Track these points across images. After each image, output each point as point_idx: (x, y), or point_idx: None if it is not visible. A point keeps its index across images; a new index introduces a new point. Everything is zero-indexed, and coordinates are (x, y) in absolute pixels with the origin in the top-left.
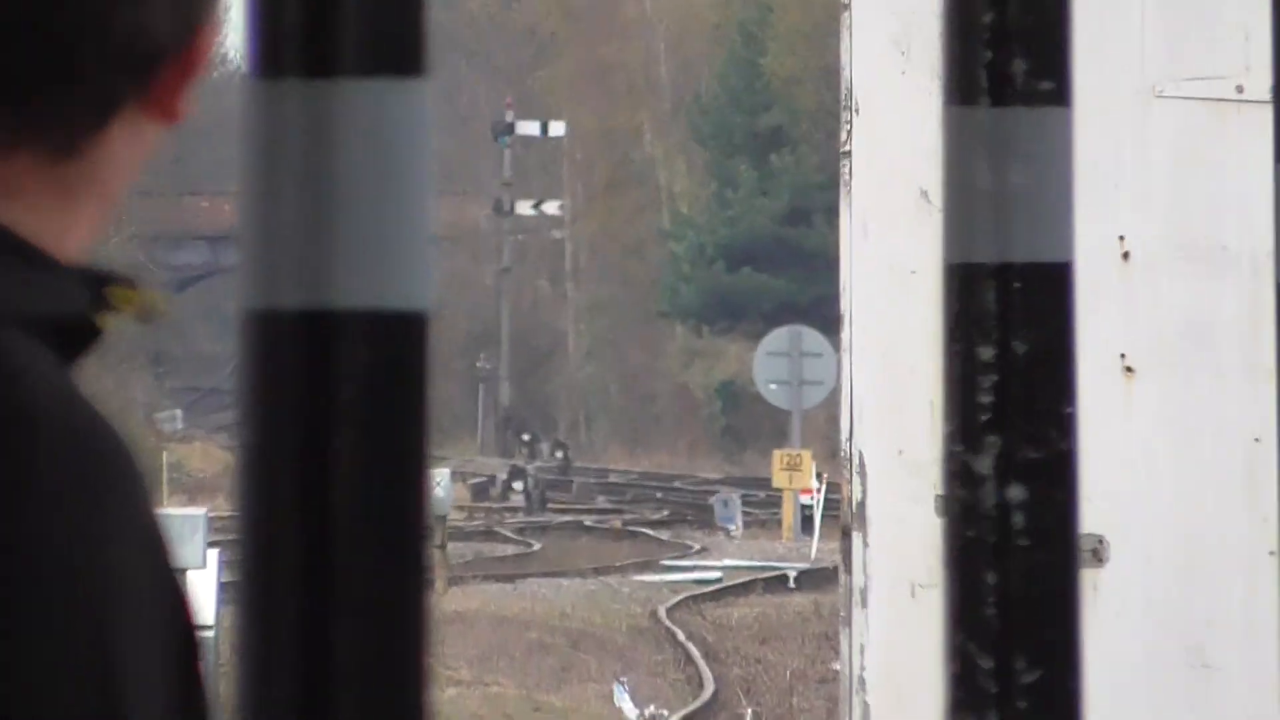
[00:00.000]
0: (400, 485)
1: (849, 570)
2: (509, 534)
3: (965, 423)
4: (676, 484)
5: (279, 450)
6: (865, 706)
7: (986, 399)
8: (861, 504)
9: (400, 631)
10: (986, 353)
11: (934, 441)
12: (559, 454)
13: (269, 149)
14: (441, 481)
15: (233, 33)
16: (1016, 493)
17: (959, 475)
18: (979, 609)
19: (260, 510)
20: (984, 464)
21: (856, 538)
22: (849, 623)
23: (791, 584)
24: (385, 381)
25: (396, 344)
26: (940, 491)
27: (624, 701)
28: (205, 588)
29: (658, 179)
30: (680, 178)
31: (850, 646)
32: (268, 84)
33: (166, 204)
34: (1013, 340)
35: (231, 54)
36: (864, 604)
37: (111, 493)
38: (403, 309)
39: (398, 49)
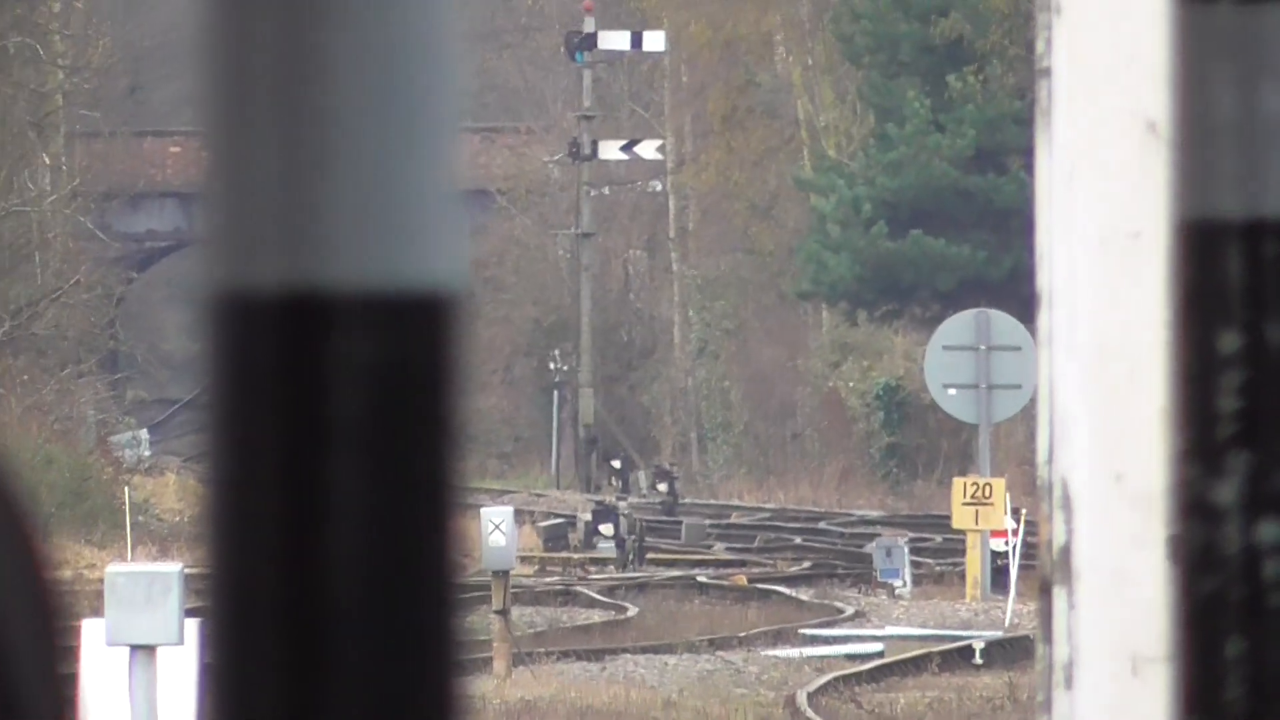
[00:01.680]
0: (419, 529)
1: (1049, 639)
2: (595, 595)
3: (1202, 438)
4: (822, 525)
5: (255, 482)
6: None
7: (1230, 404)
8: (1066, 549)
9: None
10: (1231, 341)
11: (1164, 464)
12: (662, 486)
13: (237, 72)
14: (501, 524)
15: None
16: (1270, 532)
17: (1194, 509)
18: (1220, 688)
19: (235, 564)
20: (1226, 493)
21: (1059, 595)
22: (1050, 709)
23: (978, 659)
24: (396, 388)
25: (411, 337)
26: (1171, 531)
27: None
28: (183, 670)
29: (795, 110)
30: (826, 108)
31: None
32: None
33: (122, 149)
34: (1266, 324)
35: None
36: (1069, 684)
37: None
38: (419, 290)
39: None
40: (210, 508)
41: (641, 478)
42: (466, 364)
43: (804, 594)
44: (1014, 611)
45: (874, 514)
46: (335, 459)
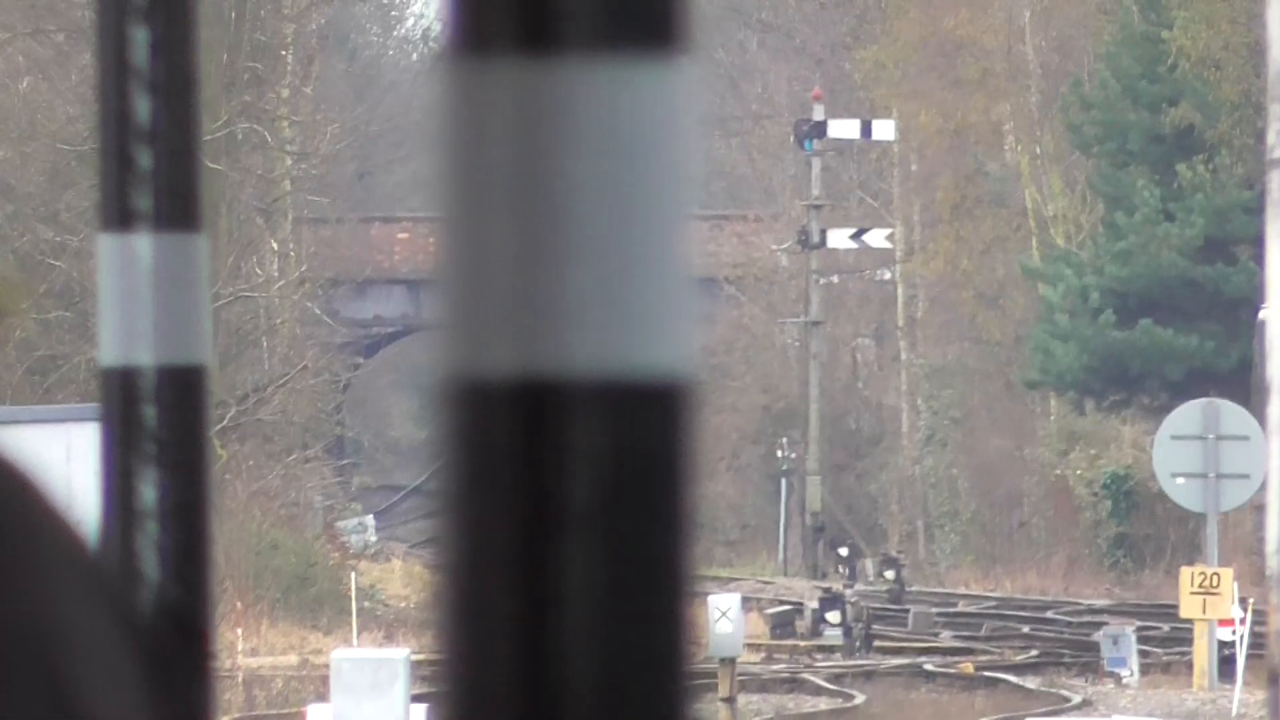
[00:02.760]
0: (655, 614)
1: None
2: (822, 683)
3: None
4: (1049, 614)
5: (489, 569)
6: None
7: None
8: None
9: None
10: None
11: None
12: (889, 574)
13: (472, 160)
14: (728, 611)
15: None
16: None
17: None
18: None
19: (468, 650)
20: None
21: None
22: None
23: None
24: (630, 474)
25: (645, 424)
26: None
27: None
28: None
29: (1023, 199)
30: (1055, 197)
31: None
32: (470, 63)
33: (349, 235)
34: None
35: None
36: None
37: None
38: (653, 377)
39: (644, 13)
40: (442, 593)
41: (868, 565)
42: (698, 451)
43: (1031, 682)
44: (1241, 701)
45: (1101, 603)
46: (569, 545)
